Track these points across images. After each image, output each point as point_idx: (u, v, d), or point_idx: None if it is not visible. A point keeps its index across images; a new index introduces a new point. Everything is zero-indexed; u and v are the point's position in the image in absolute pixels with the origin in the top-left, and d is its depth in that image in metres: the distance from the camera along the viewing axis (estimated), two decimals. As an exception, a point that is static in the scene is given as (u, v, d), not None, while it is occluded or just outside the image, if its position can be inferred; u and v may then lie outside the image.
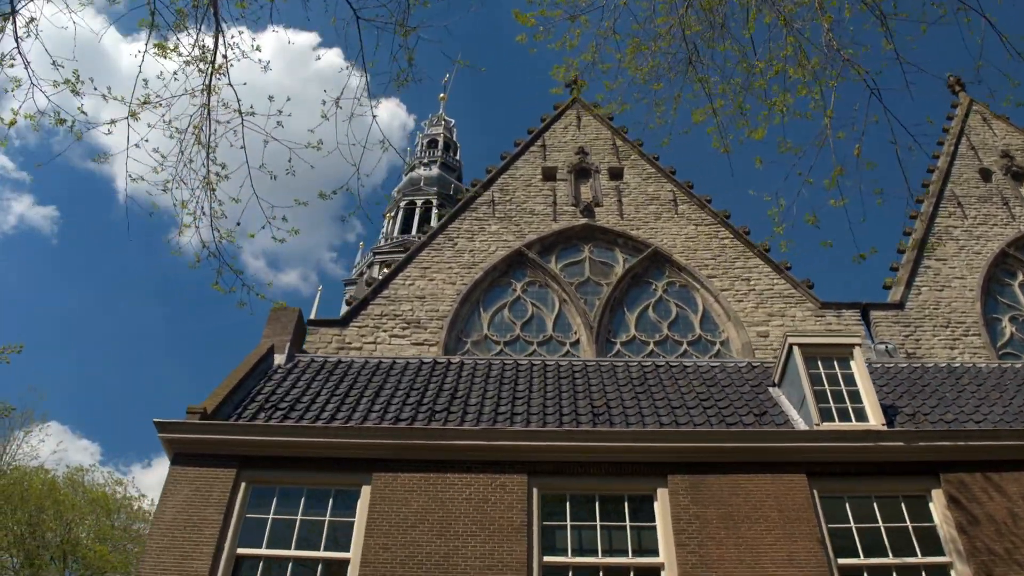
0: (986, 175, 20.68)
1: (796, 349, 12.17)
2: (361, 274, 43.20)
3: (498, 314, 18.36)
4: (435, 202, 44.65)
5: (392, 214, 44.95)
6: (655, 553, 10.11)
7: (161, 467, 71.81)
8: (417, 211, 44.65)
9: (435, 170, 46.09)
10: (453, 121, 48.85)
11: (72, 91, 7.27)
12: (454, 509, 10.28)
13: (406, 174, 47.11)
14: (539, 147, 21.62)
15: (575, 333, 17.87)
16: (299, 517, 10.46)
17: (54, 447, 44.37)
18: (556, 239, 19.56)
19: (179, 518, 10.34)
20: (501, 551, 9.91)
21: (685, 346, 17.48)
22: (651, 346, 17.49)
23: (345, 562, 10.09)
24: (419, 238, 43.67)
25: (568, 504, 10.51)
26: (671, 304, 18.31)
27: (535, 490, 10.51)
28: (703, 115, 9.43)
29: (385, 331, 17.72)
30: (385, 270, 42.26)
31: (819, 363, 12.14)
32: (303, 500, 10.59)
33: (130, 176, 7.34)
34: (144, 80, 7.20)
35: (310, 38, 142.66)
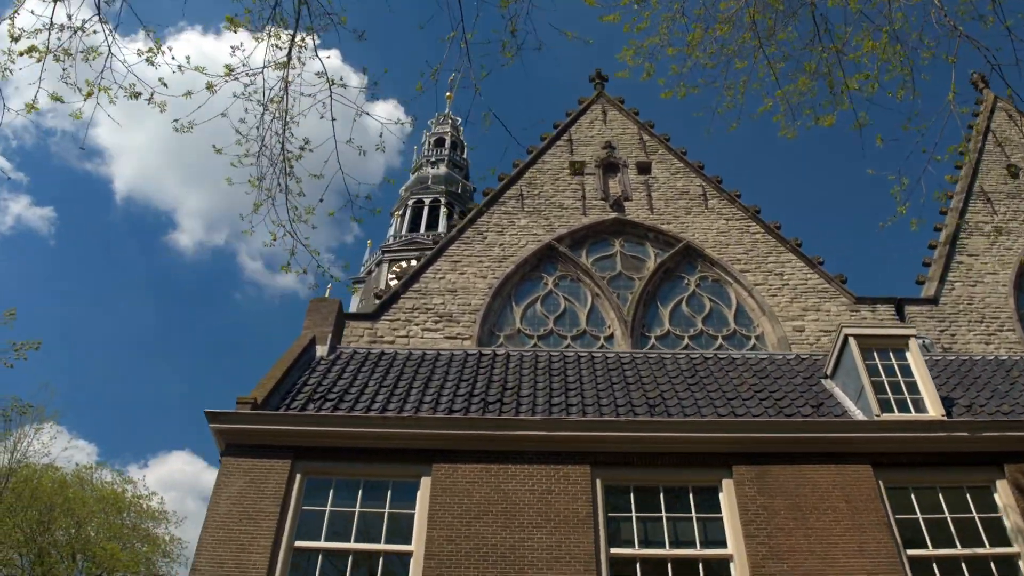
0: (1013, 172, 20.67)
1: (852, 340, 12.03)
2: (370, 272, 42.94)
3: (530, 308, 18.18)
4: (443, 200, 44.45)
5: (400, 212, 44.71)
6: (723, 545, 9.94)
7: (157, 468, 71.07)
8: (425, 209, 44.43)
9: (442, 169, 45.89)
10: (460, 120, 48.58)
11: (148, 61, 7.02)
12: (517, 500, 10.07)
13: (413, 173, 46.89)
14: (566, 141, 21.46)
15: (609, 327, 17.69)
16: (357, 509, 10.22)
17: (65, 444, 43.77)
18: (586, 233, 19.41)
19: (234, 510, 10.09)
20: (568, 543, 9.71)
21: (720, 340, 17.34)
22: (686, 340, 17.34)
23: (407, 555, 9.86)
24: (428, 236, 43.67)
25: (632, 496, 10.33)
26: (704, 298, 18.18)
27: (598, 481, 10.31)
28: (754, 100, 9.31)
29: (417, 324, 17.50)
30: (396, 269, 42.04)
31: (875, 354, 12.02)
32: (360, 492, 10.35)
33: (215, 147, 7.03)
34: (231, 47, 6.93)
35: (307, 39, 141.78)
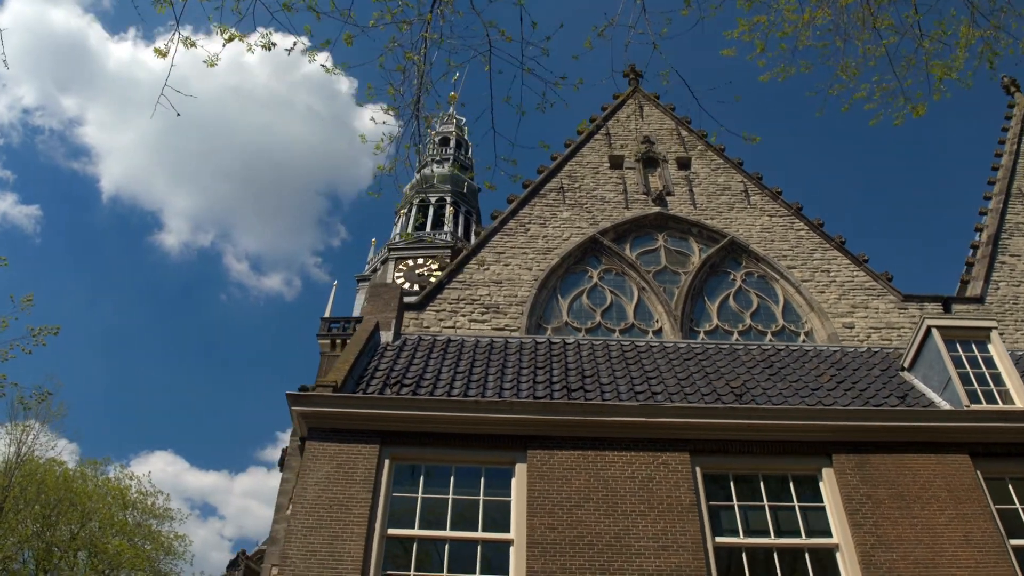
0: (1046, 174, 20.85)
1: (936, 332, 11.92)
2: (375, 270, 42.40)
3: (576, 301, 17.90)
4: (449, 200, 44.11)
5: (405, 211, 44.28)
6: (827, 534, 9.71)
7: (139, 468, 69.39)
8: (431, 208, 44.04)
9: (448, 168, 45.54)
10: (464, 119, 48.30)
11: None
12: (618, 488, 9.76)
13: (418, 172, 46.46)
14: (603, 135, 21.26)
15: (657, 322, 17.47)
16: (451, 496, 9.83)
17: (72, 437, 42.38)
18: (629, 227, 19.19)
19: (323, 496, 9.65)
20: (674, 531, 9.42)
21: (769, 336, 17.19)
22: (735, 335, 17.17)
23: (506, 543, 9.49)
24: (435, 235, 43.19)
25: (732, 484, 10.08)
26: (751, 294, 18.04)
27: (698, 469, 10.05)
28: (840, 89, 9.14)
29: (464, 315, 17.13)
30: (402, 267, 41.58)
31: (958, 346, 11.91)
32: (452, 479, 9.98)
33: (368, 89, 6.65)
34: None
35: (299, 42, 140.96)
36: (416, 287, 40.87)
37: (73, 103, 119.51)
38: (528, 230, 18.94)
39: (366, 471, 9.85)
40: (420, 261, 40.79)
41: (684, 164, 20.51)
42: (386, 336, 13.25)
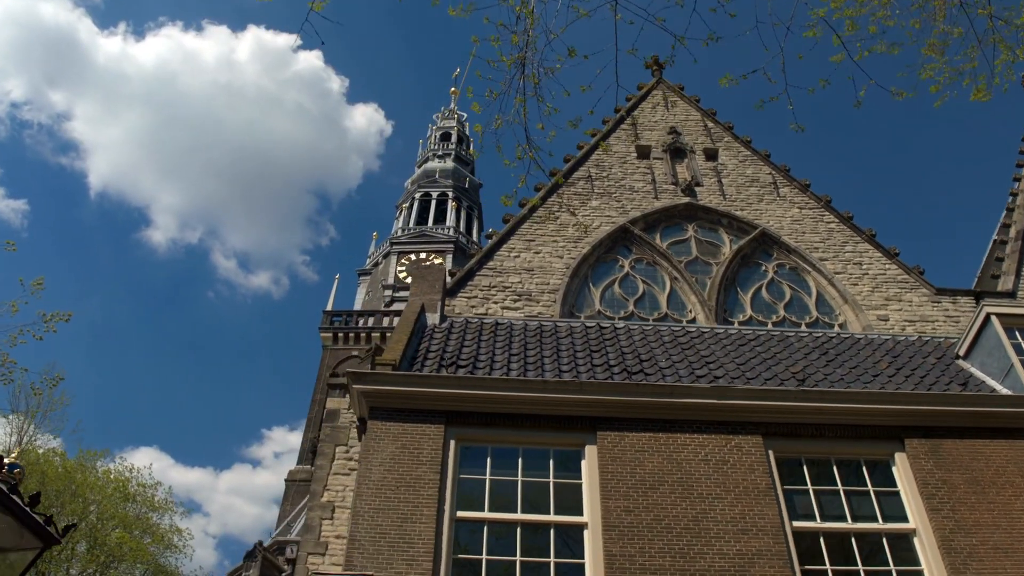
0: (1068, 172, 20.96)
1: (995, 319, 11.82)
2: (376, 264, 41.95)
3: (608, 290, 17.65)
4: (451, 195, 43.74)
5: (407, 205, 43.85)
6: (903, 519, 9.53)
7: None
8: (433, 203, 43.66)
9: (450, 163, 45.24)
10: (465, 115, 47.99)
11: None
12: (693, 471, 9.51)
13: (419, 166, 46.07)
14: (629, 125, 21.05)
15: (691, 312, 17.26)
16: (520, 478, 9.52)
17: (74, 427, 41.38)
18: (659, 217, 18.98)
19: (389, 477, 9.30)
20: (752, 514, 9.18)
21: (804, 327, 17.04)
22: (769, 326, 16.99)
23: (580, 526, 9.20)
24: (437, 229, 42.83)
25: (804, 468, 9.87)
26: (784, 285, 17.89)
27: (770, 452, 9.83)
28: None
29: (495, 302, 16.81)
30: (404, 261, 41.15)
31: (1017, 333, 11.82)
32: (520, 460, 9.67)
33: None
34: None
35: (289, 40, 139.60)
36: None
37: (61, 97, 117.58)
38: (558, 218, 18.66)
39: (432, 451, 9.51)
40: (423, 255, 40.40)
41: (711, 155, 20.36)
42: (432, 318, 12.91)
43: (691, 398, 9.95)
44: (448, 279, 17.52)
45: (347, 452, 14.91)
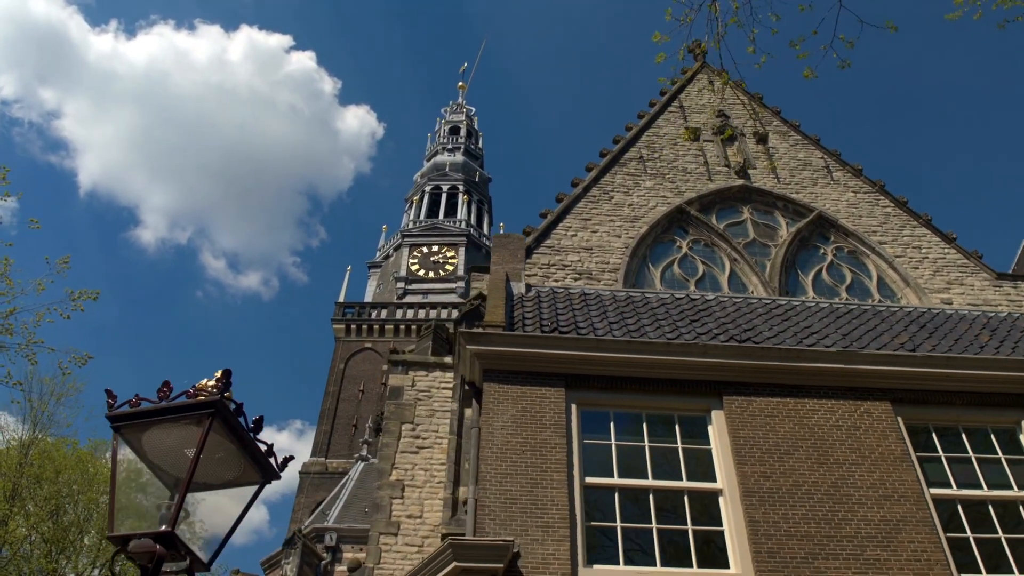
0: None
1: (1099, 290, 11.62)
2: (387, 257, 41.32)
3: (667, 270, 17.29)
4: (461, 188, 43.26)
5: (416, 198, 43.30)
6: (1038, 487, 9.24)
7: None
8: (443, 196, 43.14)
9: (459, 156, 44.81)
10: (474, 109, 47.57)
11: None
12: (826, 436, 9.13)
13: (428, 159, 45.56)
14: (677, 108, 20.77)
15: (752, 292, 16.95)
16: (647, 444, 9.08)
17: (88, 414, 39.80)
18: (714, 199, 18.68)
19: (512, 441, 8.81)
20: (891, 481, 8.82)
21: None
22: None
23: (714, 493, 8.78)
24: (448, 223, 42.29)
25: (933, 436, 9.54)
26: (844, 268, 17.66)
27: (900, 419, 9.49)
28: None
29: (556, 280, 16.35)
30: (416, 254, 40.52)
31: (1120, 306, 11.62)
32: (644, 426, 9.23)
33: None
34: None
35: (283, 40, 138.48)
36: (431, 273, 39.91)
37: (52, 95, 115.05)
38: (612, 197, 18.29)
39: (555, 415, 9.05)
40: (435, 248, 39.85)
41: (761, 139, 20.12)
42: (517, 287, 12.44)
43: (818, 362, 9.58)
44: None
45: (413, 430, 14.38)
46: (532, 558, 7.95)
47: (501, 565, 7.71)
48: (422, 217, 42.01)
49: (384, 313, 36.93)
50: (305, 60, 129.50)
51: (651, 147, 19.60)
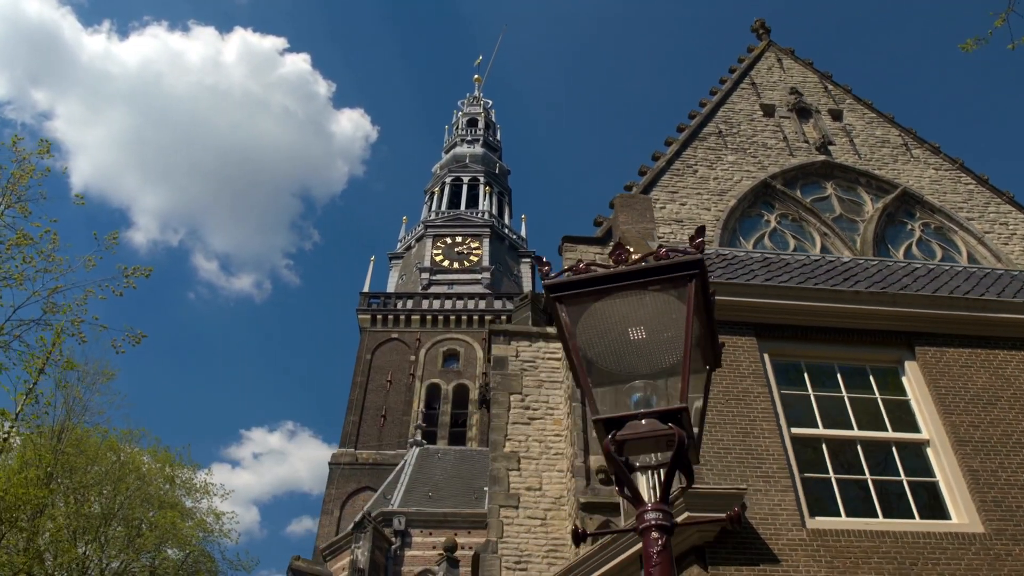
0: None
1: None
2: (408, 248, 40.71)
3: (758, 244, 16.98)
4: (482, 179, 42.81)
5: (437, 190, 42.77)
6: None
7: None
8: (464, 187, 42.65)
9: (479, 148, 44.39)
10: (491, 102, 47.15)
11: None
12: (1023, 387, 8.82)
13: (447, 151, 45.06)
14: (749, 85, 20.52)
15: (846, 267, 16.70)
16: (845, 395, 8.71)
17: (120, 402, 38.27)
18: (797, 174, 18.42)
19: (712, 390, 8.37)
20: (1098, 431, 8.52)
21: (960, 284, 16.63)
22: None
23: (920, 443, 8.42)
24: (471, 214, 41.76)
25: (1124, 389, 9.27)
26: (933, 244, 17.48)
27: (1091, 371, 9.21)
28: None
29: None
30: (440, 244, 39.91)
31: None
32: (839, 377, 8.85)
33: None
34: None
35: (277, 42, 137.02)
36: (455, 264, 39.36)
37: (44, 96, 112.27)
38: (697, 171, 17.95)
39: (751, 365, 8.64)
40: (459, 239, 39.33)
41: (836, 116, 19.94)
42: (652, 246, 12.00)
43: (1008, 313, 9.28)
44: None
45: (522, 401, 13.88)
46: (758, 509, 7.52)
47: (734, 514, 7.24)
48: (443, 208, 41.46)
49: (411, 303, 36.29)
50: (299, 62, 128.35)
51: (728, 122, 19.31)
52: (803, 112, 19.90)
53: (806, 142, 19.02)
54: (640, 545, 3.07)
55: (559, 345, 14.63)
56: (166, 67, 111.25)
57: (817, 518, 7.73)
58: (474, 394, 34.45)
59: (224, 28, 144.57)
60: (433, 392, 34.21)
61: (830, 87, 20.71)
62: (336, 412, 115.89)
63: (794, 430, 8.36)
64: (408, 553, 18.49)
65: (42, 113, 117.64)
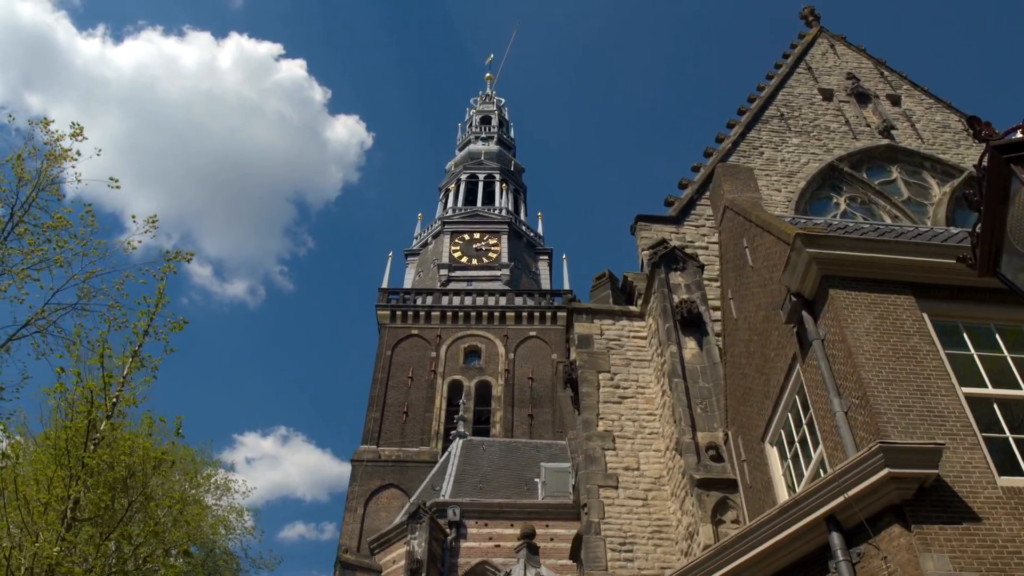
0: None
1: None
2: (424, 244, 40.17)
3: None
4: (498, 176, 42.41)
5: (452, 187, 42.32)
6: None
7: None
8: (480, 184, 42.23)
9: (493, 145, 44.05)
10: (504, 100, 46.82)
11: None
12: None
13: (460, 149, 44.66)
14: (806, 69, 20.33)
15: (920, 249, 16.45)
16: (1007, 355, 8.34)
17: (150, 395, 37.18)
18: (862, 157, 18.21)
19: (883, 348, 7.97)
20: None
21: (1033, 267, 16.44)
22: (1000, 266, 16.33)
23: (1095, 405, 8.07)
24: (488, 211, 41.29)
25: None
26: (1002, 227, 17.30)
27: None
28: None
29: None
30: (458, 241, 39.39)
31: None
32: (998, 337, 8.49)
33: None
34: None
35: (273, 48, 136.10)
36: (474, 260, 38.87)
37: (38, 100, 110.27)
38: (763, 153, 17.67)
39: (914, 323, 8.24)
40: (477, 235, 38.87)
41: (895, 101, 19.78)
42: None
43: None
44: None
45: (611, 379, 13.43)
46: (951, 467, 7.10)
47: (936, 471, 6.85)
48: (460, 205, 41.00)
49: (430, 300, 35.73)
50: (295, 68, 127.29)
51: (789, 105, 19.08)
52: (862, 97, 19.71)
53: (867, 126, 18.81)
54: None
55: (644, 323, 14.22)
56: (161, 72, 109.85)
57: (1004, 477, 7.34)
58: (497, 391, 33.93)
59: (219, 33, 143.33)
60: (455, 389, 33.62)
61: (886, 72, 20.57)
62: (330, 419, 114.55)
63: (965, 389, 7.98)
64: (464, 544, 17.89)
65: (35, 117, 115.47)
